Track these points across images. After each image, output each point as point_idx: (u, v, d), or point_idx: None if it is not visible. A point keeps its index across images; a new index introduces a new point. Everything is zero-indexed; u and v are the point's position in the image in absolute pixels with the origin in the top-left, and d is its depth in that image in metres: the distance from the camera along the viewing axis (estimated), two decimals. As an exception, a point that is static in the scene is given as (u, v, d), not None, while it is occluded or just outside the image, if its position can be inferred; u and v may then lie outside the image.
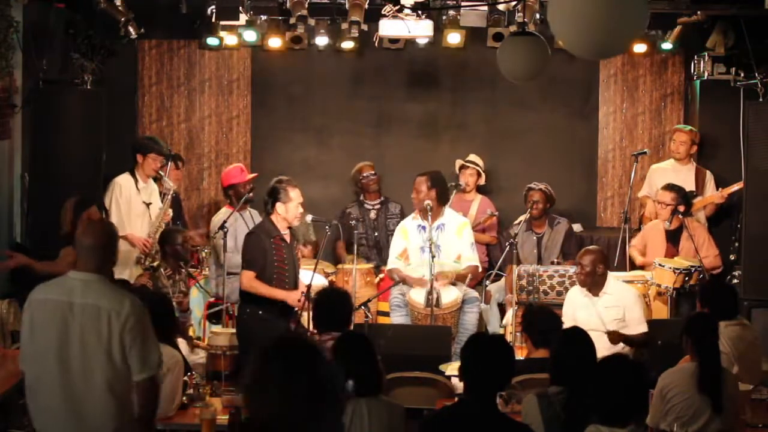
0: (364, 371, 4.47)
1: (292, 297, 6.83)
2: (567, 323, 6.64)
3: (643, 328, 6.95)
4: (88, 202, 6.83)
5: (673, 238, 8.24)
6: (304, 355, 2.71)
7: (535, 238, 8.76)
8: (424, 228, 7.87)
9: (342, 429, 2.79)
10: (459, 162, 9.24)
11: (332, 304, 5.58)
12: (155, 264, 7.52)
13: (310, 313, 6.08)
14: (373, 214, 9.04)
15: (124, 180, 8.17)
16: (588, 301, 7.06)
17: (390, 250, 8.14)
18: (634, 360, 4.23)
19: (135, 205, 8.18)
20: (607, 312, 6.98)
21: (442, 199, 7.97)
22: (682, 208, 8.15)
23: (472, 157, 9.33)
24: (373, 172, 9.17)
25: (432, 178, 7.93)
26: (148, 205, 8.24)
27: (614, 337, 6.77)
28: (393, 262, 8.01)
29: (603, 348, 6.52)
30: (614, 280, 7.20)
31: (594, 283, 7.05)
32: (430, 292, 7.38)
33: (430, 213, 7.74)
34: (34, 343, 4.26)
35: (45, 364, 4.22)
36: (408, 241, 7.98)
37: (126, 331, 4.15)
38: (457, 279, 7.80)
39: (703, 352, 5.11)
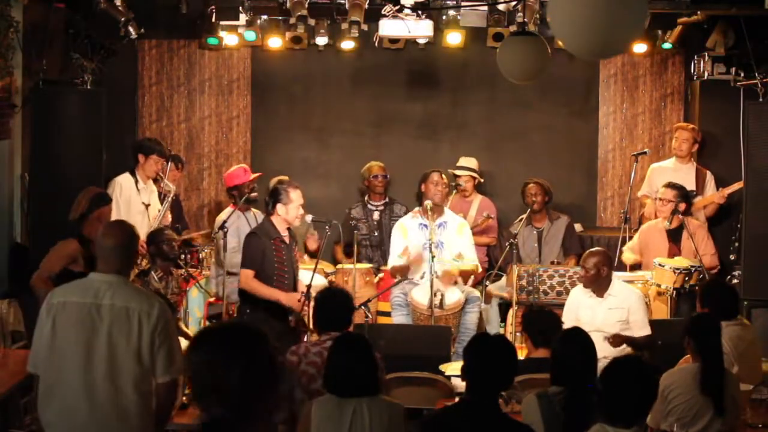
0: (363, 371, 4.48)
1: (291, 298, 6.83)
2: (569, 323, 6.64)
3: (646, 331, 6.93)
4: (104, 200, 6.82)
5: (674, 237, 8.24)
6: (237, 341, 2.72)
7: (535, 232, 8.77)
8: (426, 226, 7.90)
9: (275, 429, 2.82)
10: (451, 172, 9.20)
11: (332, 304, 5.58)
12: (146, 267, 7.50)
13: (311, 313, 6.08)
14: (376, 215, 8.99)
15: (124, 180, 8.16)
16: (592, 301, 7.05)
17: (391, 249, 8.15)
18: (646, 362, 4.21)
19: (135, 205, 8.17)
20: (611, 314, 6.96)
21: (446, 198, 8.18)
22: (682, 207, 8.15)
23: (463, 161, 9.29)
24: (384, 174, 9.07)
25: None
26: (147, 206, 8.23)
27: (616, 340, 6.76)
28: (395, 261, 8.02)
29: (604, 348, 6.53)
30: (619, 282, 7.17)
31: (598, 285, 7.03)
32: (434, 294, 7.38)
33: (431, 212, 7.80)
34: (55, 345, 4.24)
35: (67, 367, 4.21)
36: (408, 239, 7.99)
37: (157, 332, 4.19)
38: (462, 275, 7.82)
39: (706, 354, 5.10)
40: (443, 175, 8.11)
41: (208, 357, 2.72)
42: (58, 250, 6.41)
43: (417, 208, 8.19)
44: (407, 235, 8.00)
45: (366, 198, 9.19)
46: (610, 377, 4.01)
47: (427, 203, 7.84)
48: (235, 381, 2.67)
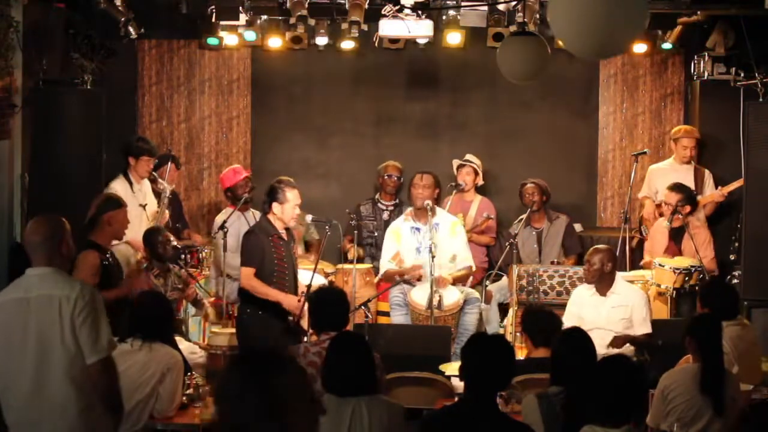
0: (362, 370, 4.47)
1: (290, 301, 6.82)
2: (572, 322, 6.64)
3: (646, 329, 6.94)
4: (114, 204, 6.79)
5: (675, 236, 8.25)
6: (261, 369, 2.71)
7: (534, 233, 8.77)
8: (418, 230, 7.95)
9: None
10: (456, 162, 9.24)
11: (328, 304, 5.58)
12: (144, 266, 7.50)
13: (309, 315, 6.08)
14: (386, 215, 8.97)
15: (118, 185, 8.09)
16: (595, 300, 7.06)
17: (382, 252, 8.14)
18: (633, 361, 4.21)
19: (131, 209, 8.12)
20: (614, 312, 6.97)
21: (437, 199, 8.19)
22: (686, 210, 8.15)
23: (469, 156, 9.33)
24: (398, 175, 9.09)
25: (435, 178, 8.20)
26: (144, 206, 8.22)
27: (617, 342, 6.76)
28: (386, 265, 8.03)
29: (604, 347, 6.54)
30: (623, 280, 7.19)
31: (602, 282, 7.03)
32: (433, 294, 7.38)
33: (430, 213, 7.80)
34: (0, 344, 4.26)
35: (12, 366, 4.23)
36: (401, 243, 8.00)
37: (75, 314, 4.16)
38: (456, 281, 7.83)
39: (707, 354, 5.10)
40: (426, 176, 8.08)
41: (225, 386, 2.71)
42: (84, 265, 6.35)
43: (409, 209, 8.21)
44: (401, 240, 8.01)
45: (377, 196, 9.18)
46: (595, 377, 4.02)
47: (427, 203, 7.87)
48: (250, 414, 2.66)
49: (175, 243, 7.62)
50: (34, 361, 4.18)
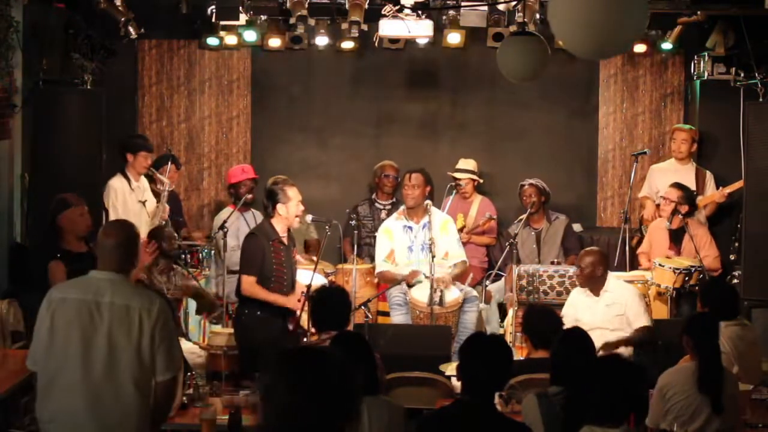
0: (362, 371, 4.46)
1: (293, 301, 6.81)
2: (569, 325, 6.64)
3: (644, 321, 6.95)
4: (65, 204, 6.69)
5: (675, 237, 8.24)
6: (311, 362, 2.71)
7: (533, 234, 8.77)
8: (410, 228, 7.96)
9: None
10: (450, 174, 9.21)
11: (330, 303, 5.58)
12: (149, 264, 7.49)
13: (309, 313, 6.08)
14: (384, 215, 8.97)
15: (117, 182, 8.14)
16: (590, 301, 7.07)
17: (376, 252, 8.14)
18: (628, 360, 4.22)
19: (131, 205, 8.17)
20: (609, 310, 6.98)
21: (430, 197, 8.18)
22: (684, 209, 8.14)
23: (462, 163, 9.27)
24: (395, 174, 9.10)
25: (426, 175, 8.19)
26: (143, 203, 8.24)
27: (607, 349, 6.76)
28: (381, 265, 8.03)
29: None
30: (614, 278, 7.21)
31: (593, 284, 7.05)
32: (434, 291, 7.38)
33: (429, 213, 7.80)
34: (53, 342, 4.23)
35: (65, 363, 4.21)
36: (393, 241, 8.00)
37: (157, 330, 4.19)
38: (456, 280, 7.84)
39: (703, 352, 5.11)
40: (414, 175, 8.09)
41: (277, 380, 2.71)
42: (54, 278, 6.25)
43: (401, 208, 8.21)
44: (393, 237, 8.02)
45: (374, 196, 9.19)
46: (593, 377, 4.03)
47: (427, 203, 7.89)
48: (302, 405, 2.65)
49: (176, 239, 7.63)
50: (100, 368, 4.18)
